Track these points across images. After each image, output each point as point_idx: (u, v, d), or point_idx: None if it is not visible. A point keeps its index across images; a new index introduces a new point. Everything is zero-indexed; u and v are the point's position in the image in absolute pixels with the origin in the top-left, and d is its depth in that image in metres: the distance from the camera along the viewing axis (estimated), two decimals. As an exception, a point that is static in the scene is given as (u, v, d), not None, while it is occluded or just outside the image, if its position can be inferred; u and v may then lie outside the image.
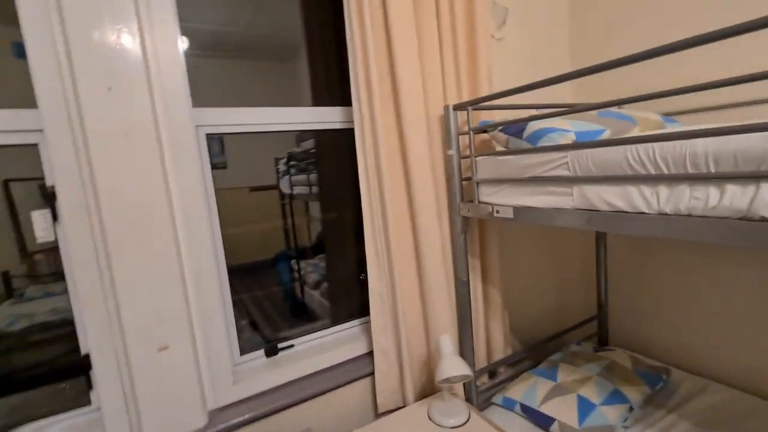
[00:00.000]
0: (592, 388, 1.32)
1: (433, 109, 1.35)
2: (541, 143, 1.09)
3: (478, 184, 1.25)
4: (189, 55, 1.14)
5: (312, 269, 2.00)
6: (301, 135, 1.73)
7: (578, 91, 1.82)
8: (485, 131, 1.32)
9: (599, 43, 1.72)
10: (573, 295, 1.94)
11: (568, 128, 1.11)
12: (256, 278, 1.81)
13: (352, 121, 1.30)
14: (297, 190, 1.90)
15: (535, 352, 1.65)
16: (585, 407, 1.26)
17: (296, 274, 1.96)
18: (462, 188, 1.33)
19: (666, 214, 0.78)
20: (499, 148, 1.48)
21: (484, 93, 1.41)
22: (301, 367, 1.34)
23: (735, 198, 0.68)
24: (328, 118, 1.42)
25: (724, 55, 1.27)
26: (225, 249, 1.27)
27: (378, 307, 1.35)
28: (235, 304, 1.32)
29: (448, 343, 1.24)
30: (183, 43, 1.11)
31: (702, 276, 1.48)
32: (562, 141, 1.07)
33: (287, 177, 1.87)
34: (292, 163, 1.86)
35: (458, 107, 1.27)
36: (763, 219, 0.65)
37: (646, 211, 0.81)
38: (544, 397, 1.33)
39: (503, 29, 1.66)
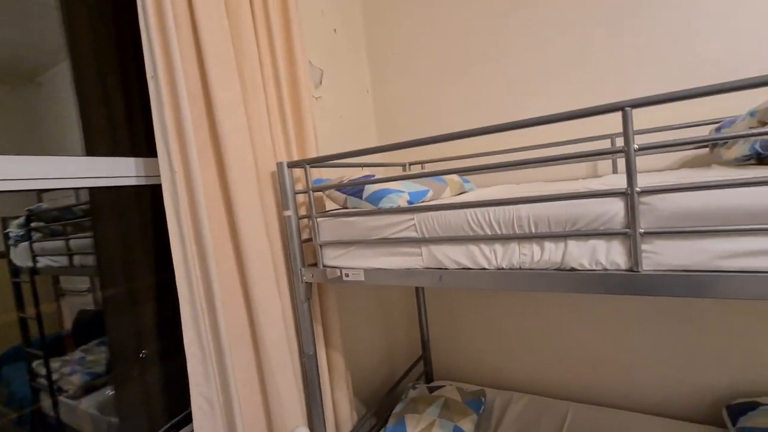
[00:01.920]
0: (438, 433, 1.38)
1: (263, 166, 1.20)
2: (382, 204, 1.11)
3: (321, 246, 1.17)
4: None
5: (73, 368, 1.39)
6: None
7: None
8: (322, 190, 1.26)
9: (397, 110, 1.97)
10: (401, 340, 2.05)
11: (401, 189, 1.18)
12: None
13: (152, 176, 1.01)
14: (45, 261, 1.33)
15: (379, 408, 1.62)
16: (438, 456, 1.29)
17: (42, 380, 1.32)
18: (303, 252, 1.21)
19: (503, 269, 0.90)
20: (333, 206, 1.45)
21: (311, 149, 1.37)
22: None
23: (552, 253, 0.83)
24: (118, 172, 1.06)
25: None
26: None
27: (206, 418, 1.03)
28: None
29: (304, 437, 1.05)
30: None
31: (498, 306, 1.82)
32: (400, 202, 1.12)
33: (26, 244, 1.29)
34: (35, 224, 1.30)
35: (294, 164, 1.17)
36: (572, 269, 0.82)
37: (487, 267, 0.92)
38: (400, 459, 1.30)
39: (320, 89, 1.69)
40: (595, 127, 1.43)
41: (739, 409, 1.32)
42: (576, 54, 1.53)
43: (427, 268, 0.99)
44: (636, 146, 0.74)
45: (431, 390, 1.70)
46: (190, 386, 1.02)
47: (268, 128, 1.24)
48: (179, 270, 1.01)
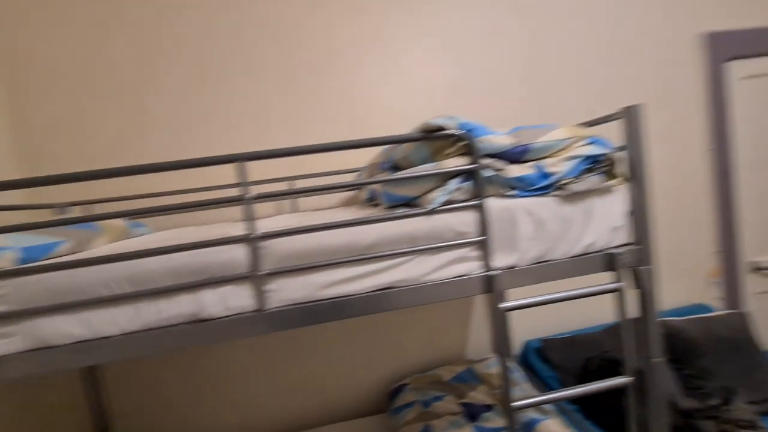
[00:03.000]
0: None
1: None
2: (-40, 269, 0.79)
3: None
4: None
5: None
6: None
7: (29, 189, 1.54)
8: None
9: (47, 145, 1.55)
10: (63, 437, 1.53)
11: (8, 244, 0.88)
12: None
13: None
14: None
15: None
16: None
17: None
18: None
19: (133, 333, 0.78)
20: None
21: None
22: None
23: (186, 305, 0.79)
24: None
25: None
26: None
27: None
28: None
29: None
30: None
31: (184, 362, 1.65)
32: (1, 263, 0.83)
33: None
34: None
35: None
36: (206, 320, 0.80)
37: (114, 333, 0.78)
38: None
39: None
40: (271, 171, 1.56)
41: (394, 393, 1.68)
42: (250, 104, 1.64)
43: (27, 352, 0.75)
44: (253, 195, 0.80)
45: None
46: None
47: None
48: None
